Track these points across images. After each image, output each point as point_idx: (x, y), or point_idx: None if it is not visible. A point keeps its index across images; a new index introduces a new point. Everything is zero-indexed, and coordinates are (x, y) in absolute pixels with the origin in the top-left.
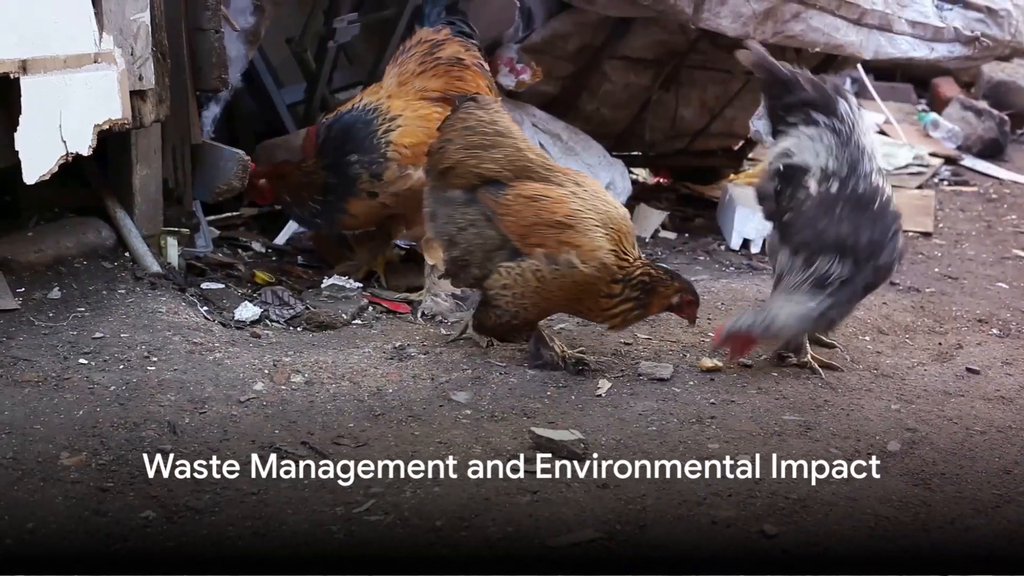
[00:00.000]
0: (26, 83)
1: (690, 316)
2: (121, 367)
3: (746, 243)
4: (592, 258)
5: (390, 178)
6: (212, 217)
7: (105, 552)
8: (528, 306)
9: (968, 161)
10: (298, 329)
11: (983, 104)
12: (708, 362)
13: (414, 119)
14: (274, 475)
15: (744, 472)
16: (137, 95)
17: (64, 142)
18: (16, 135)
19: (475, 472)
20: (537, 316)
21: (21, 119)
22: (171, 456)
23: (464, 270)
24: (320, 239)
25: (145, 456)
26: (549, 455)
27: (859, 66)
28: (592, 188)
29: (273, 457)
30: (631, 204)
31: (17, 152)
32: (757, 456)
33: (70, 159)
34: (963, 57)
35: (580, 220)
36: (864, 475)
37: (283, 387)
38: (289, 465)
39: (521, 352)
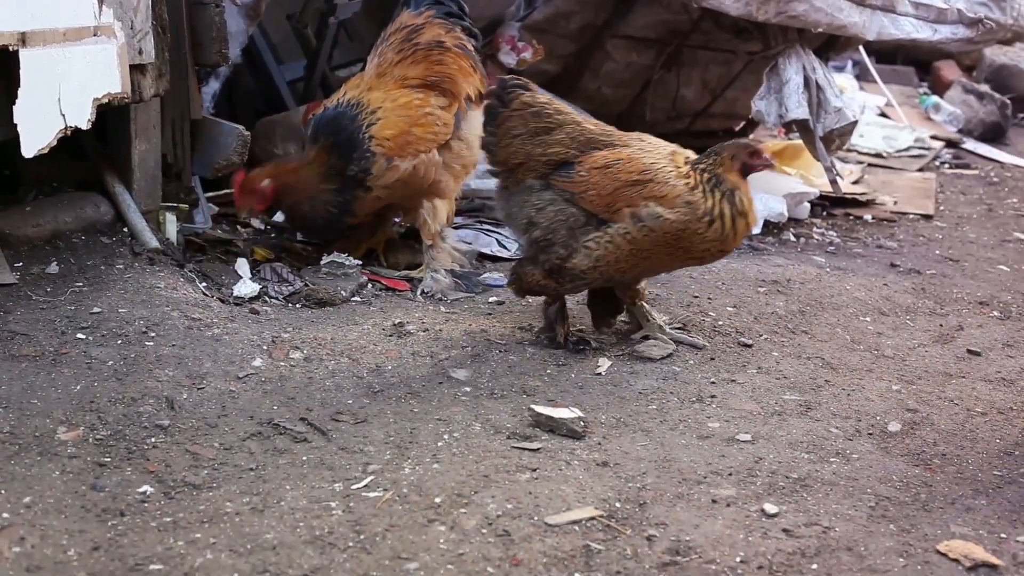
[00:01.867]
0: (25, 56)
1: (765, 163)
2: (119, 342)
3: None
4: (676, 204)
5: (378, 172)
6: (211, 193)
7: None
8: (626, 270)
9: (969, 144)
10: (297, 306)
11: (985, 87)
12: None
13: (393, 109)
14: (272, 451)
15: (744, 451)
16: (137, 69)
17: (63, 115)
18: (15, 108)
19: (474, 449)
20: (635, 278)
21: (20, 92)
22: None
23: (546, 251)
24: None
25: (143, 431)
26: (549, 433)
27: (861, 48)
28: (651, 139)
29: (272, 433)
30: None
31: (16, 125)
32: (758, 435)
33: (69, 133)
34: (966, 39)
35: (657, 171)
36: (865, 455)
37: (282, 363)
38: (288, 441)
39: (521, 331)
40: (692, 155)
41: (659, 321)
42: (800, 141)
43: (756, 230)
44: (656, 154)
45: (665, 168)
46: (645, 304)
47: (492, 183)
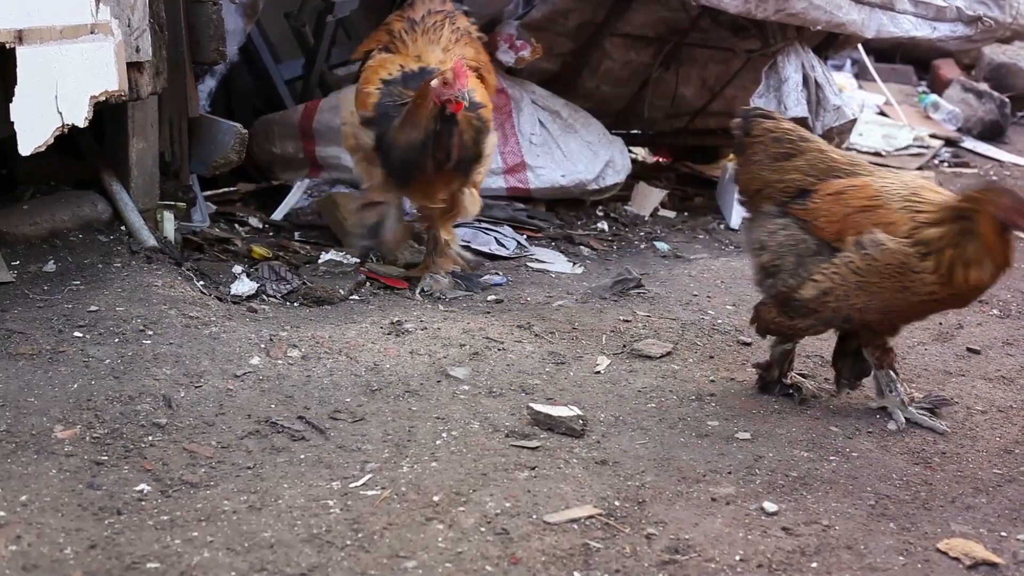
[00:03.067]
0: (22, 53)
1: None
2: (116, 340)
3: None
4: (899, 232)
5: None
6: (209, 192)
7: None
8: (860, 307)
9: (968, 143)
10: (295, 304)
11: (984, 86)
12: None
13: (475, 84)
14: (270, 449)
15: (743, 449)
16: (134, 67)
17: (60, 113)
18: (12, 106)
19: (473, 447)
20: (880, 322)
21: (17, 90)
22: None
23: (775, 276)
24: (327, 210)
25: (140, 429)
26: (547, 431)
27: (860, 47)
28: (905, 174)
29: (269, 431)
30: (630, 182)
31: (13, 123)
32: (757, 433)
33: (66, 130)
34: (965, 37)
35: (888, 197)
36: (865, 453)
37: (279, 361)
38: (285, 439)
39: (520, 329)
40: (942, 191)
41: (903, 397)
42: None
43: None
44: (896, 183)
45: (898, 194)
46: (893, 372)
47: (490, 182)
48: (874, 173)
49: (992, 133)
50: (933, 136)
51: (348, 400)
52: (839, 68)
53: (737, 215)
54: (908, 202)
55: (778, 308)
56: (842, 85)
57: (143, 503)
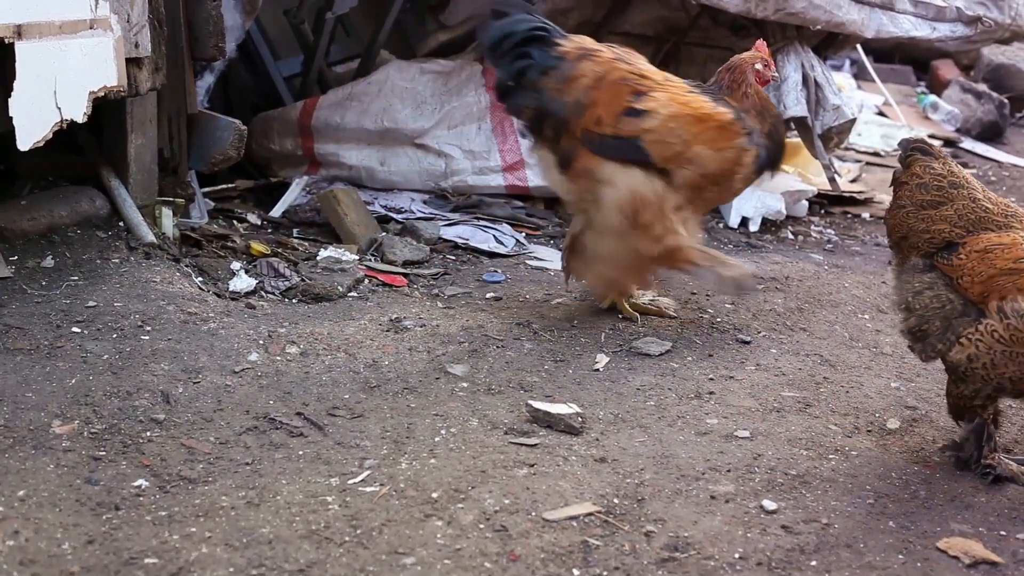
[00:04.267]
0: (21, 48)
1: None
2: (114, 336)
3: (744, 221)
4: None
5: None
6: (207, 189)
7: None
8: (1011, 377)
9: (967, 143)
10: (293, 301)
11: (983, 87)
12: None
13: None
14: (268, 445)
15: (743, 447)
16: (133, 63)
17: (59, 108)
18: (10, 101)
19: (471, 444)
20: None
21: (16, 85)
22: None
23: (923, 341)
24: (327, 206)
25: (138, 425)
26: (546, 428)
27: (859, 47)
28: None
29: (268, 427)
30: None
31: (11, 118)
32: (756, 431)
33: (65, 126)
34: (964, 38)
35: None
36: (864, 452)
37: (278, 358)
38: (284, 435)
39: (519, 327)
40: None
41: None
42: (798, 139)
43: (753, 227)
44: None
45: None
46: None
47: (489, 180)
48: None
49: (991, 134)
50: (932, 136)
51: (347, 397)
52: (838, 68)
53: (736, 214)
54: None
55: (952, 381)
56: (841, 85)
57: (141, 499)
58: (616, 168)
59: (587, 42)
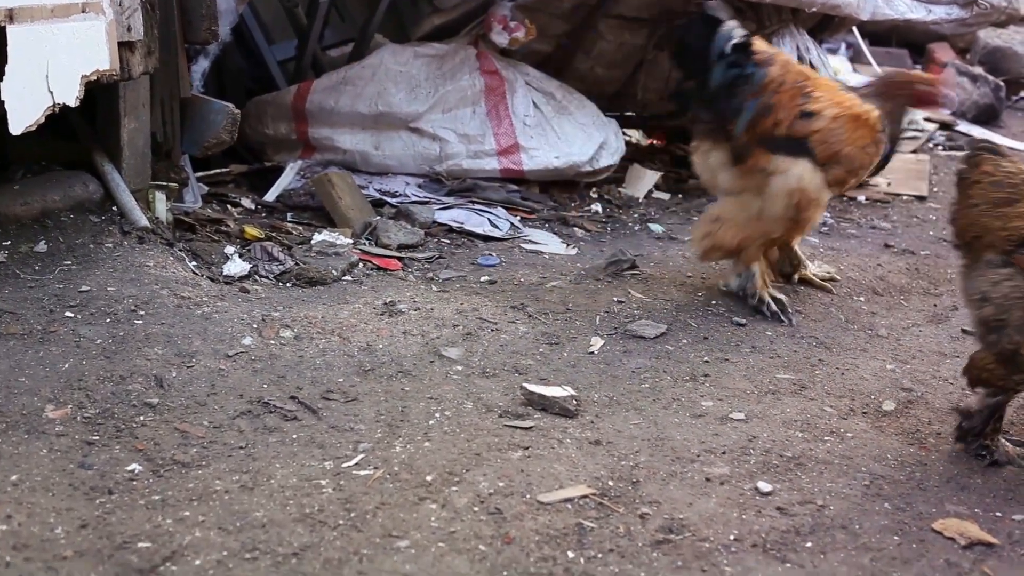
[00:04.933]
0: (13, 32)
1: None
2: (108, 320)
3: None
4: None
5: None
6: (201, 173)
7: None
8: None
9: (963, 126)
10: (287, 285)
11: (979, 70)
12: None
13: None
14: (262, 429)
15: (738, 429)
16: (125, 46)
17: (51, 92)
18: (2, 85)
19: (466, 427)
20: None
21: (7, 69)
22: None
23: (998, 332)
24: (322, 189)
25: (132, 409)
26: (541, 411)
27: (855, 30)
28: None
29: (261, 411)
30: (624, 164)
31: (3, 102)
32: (751, 414)
33: (57, 110)
34: (960, 21)
35: None
36: (859, 434)
37: (272, 342)
38: (278, 419)
39: (513, 310)
40: None
41: None
42: None
43: None
44: None
45: None
46: None
47: (484, 164)
48: None
49: (987, 117)
50: (928, 119)
51: (341, 380)
52: (834, 51)
53: None
54: None
55: (998, 361)
56: (837, 68)
57: (134, 483)
58: (787, 159)
59: (764, 44)
